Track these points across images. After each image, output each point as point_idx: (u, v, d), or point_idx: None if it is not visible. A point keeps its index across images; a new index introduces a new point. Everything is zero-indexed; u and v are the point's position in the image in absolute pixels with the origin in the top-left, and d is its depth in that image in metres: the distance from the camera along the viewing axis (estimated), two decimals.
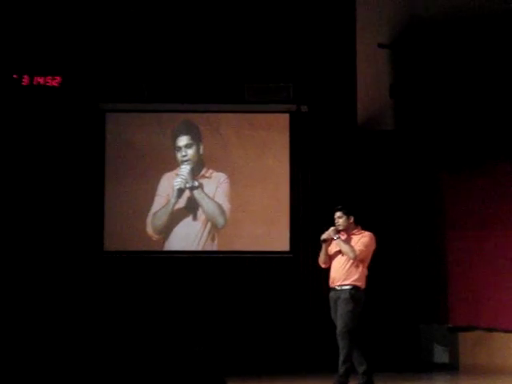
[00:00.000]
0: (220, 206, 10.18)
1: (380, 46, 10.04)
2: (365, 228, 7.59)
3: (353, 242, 7.52)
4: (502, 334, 9.38)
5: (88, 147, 10.06)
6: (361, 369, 7.35)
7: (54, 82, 9.81)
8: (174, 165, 10.24)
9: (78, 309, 9.64)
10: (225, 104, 10.10)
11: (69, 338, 9.45)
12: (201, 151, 10.27)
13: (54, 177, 10.00)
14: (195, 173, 10.28)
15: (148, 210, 10.14)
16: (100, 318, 9.69)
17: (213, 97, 10.10)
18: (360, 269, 7.45)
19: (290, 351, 9.75)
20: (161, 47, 10.11)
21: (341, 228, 7.56)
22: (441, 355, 9.85)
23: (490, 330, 9.49)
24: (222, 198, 10.22)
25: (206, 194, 10.14)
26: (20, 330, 9.41)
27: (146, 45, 10.09)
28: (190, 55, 10.13)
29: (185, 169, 10.11)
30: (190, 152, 10.21)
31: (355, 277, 7.42)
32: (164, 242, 10.13)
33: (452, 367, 9.68)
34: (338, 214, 7.61)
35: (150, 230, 10.14)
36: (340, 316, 7.36)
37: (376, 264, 9.14)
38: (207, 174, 10.21)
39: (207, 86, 10.09)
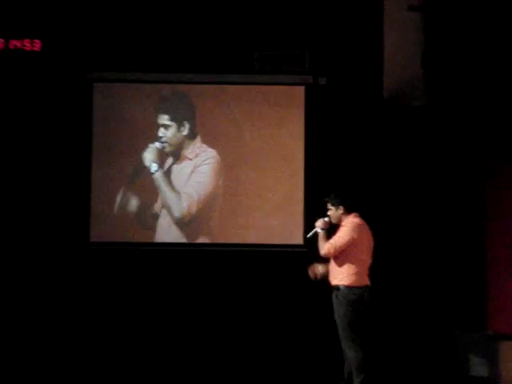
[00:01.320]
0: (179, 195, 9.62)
1: (411, 8, 9.61)
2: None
3: (338, 232, 7.61)
4: None
5: (73, 122, 9.57)
6: (359, 377, 7.42)
7: (34, 46, 9.33)
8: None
9: (62, 305, 9.37)
10: (230, 74, 9.64)
11: (53, 334, 9.24)
12: (185, 131, 9.69)
13: (33, 155, 9.55)
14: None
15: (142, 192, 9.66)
16: (86, 315, 9.39)
17: (216, 66, 9.66)
18: (345, 266, 7.51)
19: (303, 353, 9.37)
20: (156, 8, 9.65)
21: (333, 220, 7.65)
22: (479, 367, 9.28)
23: None
24: (195, 183, 9.67)
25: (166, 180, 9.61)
26: (2, 327, 9.20)
27: (140, 4, 9.64)
28: (189, 17, 9.67)
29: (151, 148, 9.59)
30: (169, 134, 9.68)
31: (341, 276, 7.51)
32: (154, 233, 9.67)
33: (492, 381, 9.13)
34: (327, 205, 7.70)
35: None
36: (336, 319, 7.52)
37: (404, 263, 9.15)
38: (190, 156, 9.68)
39: (210, 53, 9.66)
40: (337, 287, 7.51)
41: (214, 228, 9.60)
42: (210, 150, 9.63)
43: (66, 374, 8.76)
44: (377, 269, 9.40)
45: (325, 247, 7.49)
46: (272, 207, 9.62)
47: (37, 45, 9.31)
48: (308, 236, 7.76)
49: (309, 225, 9.27)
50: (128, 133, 9.59)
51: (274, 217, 9.60)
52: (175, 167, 9.58)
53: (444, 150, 9.59)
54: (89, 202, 9.49)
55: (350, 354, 7.44)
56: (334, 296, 7.56)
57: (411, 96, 9.58)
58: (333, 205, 7.63)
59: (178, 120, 9.66)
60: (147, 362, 9.15)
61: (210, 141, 9.65)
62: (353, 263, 7.49)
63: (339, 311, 7.45)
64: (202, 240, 9.57)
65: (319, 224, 7.59)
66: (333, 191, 7.90)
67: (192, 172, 9.60)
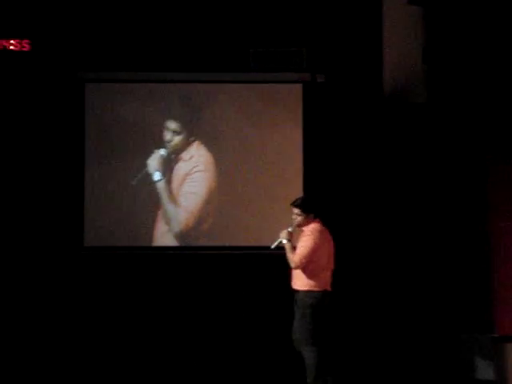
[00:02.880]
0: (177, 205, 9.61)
1: (410, 2, 9.58)
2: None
3: (301, 242, 7.66)
4: None
5: (65, 123, 9.51)
6: (310, 378, 7.54)
7: (23, 46, 9.31)
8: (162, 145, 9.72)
9: (55, 310, 9.35)
10: (225, 73, 9.60)
11: (47, 338, 9.25)
12: (184, 133, 9.68)
13: (24, 158, 9.50)
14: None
15: (137, 196, 9.57)
16: (80, 320, 9.37)
17: (211, 64, 9.61)
18: (305, 271, 7.59)
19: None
20: (150, 6, 9.62)
21: (297, 226, 7.71)
22: (485, 370, 9.25)
23: None
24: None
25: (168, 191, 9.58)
26: None
27: (134, 2, 9.63)
28: (184, 15, 9.64)
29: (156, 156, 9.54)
30: (176, 139, 9.64)
31: (301, 280, 7.62)
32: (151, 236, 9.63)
33: None
34: (295, 210, 7.72)
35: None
36: (295, 322, 7.63)
37: (407, 264, 9.16)
38: (185, 157, 9.63)
39: (205, 51, 9.62)
40: (297, 291, 7.62)
41: (209, 231, 9.54)
42: (204, 152, 9.57)
43: (58, 377, 8.78)
44: (381, 271, 9.42)
45: (295, 260, 7.56)
46: (270, 208, 9.55)
47: (26, 45, 9.27)
48: (272, 247, 7.75)
49: None
50: (122, 134, 9.54)
51: (272, 218, 9.48)
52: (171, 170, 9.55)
53: (445, 148, 9.56)
54: (82, 206, 9.43)
55: (306, 355, 7.57)
56: (294, 300, 7.68)
57: (412, 93, 9.58)
58: (304, 211, 7.67)
59: (184, 124, 9.64)
60: (140, 367, 9.12)
61: (206, 141, 9.59)
62: (313, 268, 7.58)
63: (298, 314, 7.57)
64: (198, 243, 9.52)
65: (283, 235, 7.63)
66: (301, 197, 8.14)
67: (184, 179, 9.55)
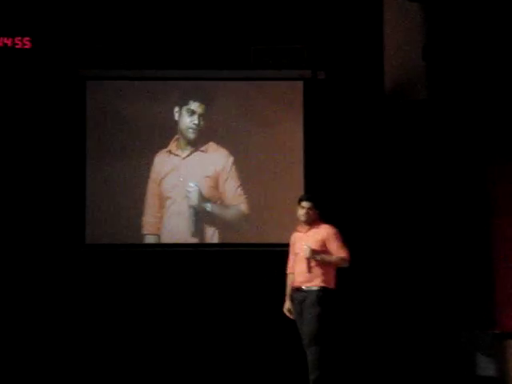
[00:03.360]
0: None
1: None
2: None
3: (313, 238, 7.50)
4: None
5: (66, 121, 9.45)
6: (313, 375, 7.41)
7: (25, 44, 9.24)
8: (169, 142, 9.59)
9: (56, 308, 9.30)
10: (227, 70, 9.54)
11: (47, 336, 9.21)
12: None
13: (25, 156, 9.44)
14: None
15: (139, 194, 9.49)
16: (80, 318, 9.33)
17: (213, 62, 9.56)
18: (323, 268, 7.46)
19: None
20: (152, 4, 9.58)
21: (308, 220, 7.54)
22: (486, 367, 9.20)
23: None
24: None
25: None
26: None
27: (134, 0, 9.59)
28: (184, 12, 9.59)
29: (193, 191, 9.48)
30: (196, 120, 9.60)
31: (317, 278, 7.46)
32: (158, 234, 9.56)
33: (499, 382, 9.02)
34: (306, 204, 7.55)
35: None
36: (307, 321, 7.41)
37: (407, 260, 9.14)
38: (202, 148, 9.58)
39: (205, 49, 9.58)
40: (310, 289, 7.43)
41: (212, 228, 9.54)
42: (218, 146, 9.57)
43: (59, 374, 8.80)
44: (381, 268, 9.39)
45: (345, 257, 7.45)
46: (270, 204, 9.54)
47: (27, 42, 9.21)
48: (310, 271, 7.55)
49: None
50: (124, 132, 9.49)
51: (272, 214, 9.51)
52: (189, 159, 9.50)
53: (446, 144, 9.51)
54: (84, 204, 9.38)
55: (312, 352, 7.42)
56: (303, 296, 7.47)
57: (412, 90, 9.54)
58: (315, 207, 7.55)
59: (193, 107, 9.60)
60: (142, 363, 9.11)
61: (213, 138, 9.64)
62: (330, 265, 7.49)
63: (311, 312, 7.37)
64: (199, 240, 9.49)
65: (310, 255, 7.41)
66: (309, 193, 8.13)
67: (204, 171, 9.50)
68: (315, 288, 7.43)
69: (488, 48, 9.13)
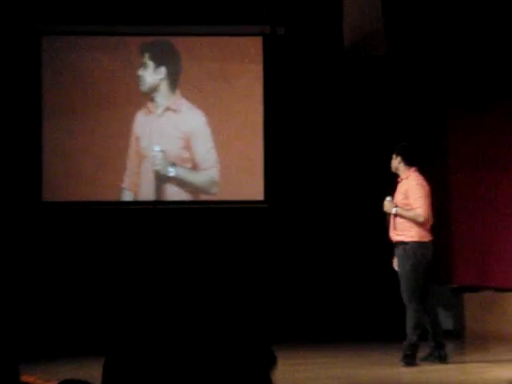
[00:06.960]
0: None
1: None
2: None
3: (398, 190, 7.37)
4: None
5: (21, 77, 9.24)
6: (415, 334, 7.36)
7: None
8: (129, 99, 9.45)
9: (11, 266, 9.12)
10: (185, 25, 9.42)
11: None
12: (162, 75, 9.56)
13: None
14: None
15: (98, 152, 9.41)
16: (37, 276, 9.20)
17: (171, 17, 9.38)
18: (418, 221, 7.27)
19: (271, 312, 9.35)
20: None
21: (393, 171, 7.44)
22: (443, 320, 9.06)
23: (501, 290, 8.99)
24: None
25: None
26: None
27: None
28: None
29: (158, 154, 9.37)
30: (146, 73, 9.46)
31: (409, 231, 7.28)
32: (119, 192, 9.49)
33: (457, 334, 9.25)
34: (393, 155, 7.45)
35: None
36: (400, 275, 7.33)
37: (365, 215, 9.11)
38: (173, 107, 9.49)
39: (165, 3, 9.39)
40: (404, 242, 7.24)
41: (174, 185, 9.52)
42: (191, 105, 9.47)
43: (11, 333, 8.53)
44: (345, 222, 9.38)
45: (421, 213, 7.20)
46: (230, 163, 9.51)
47: None
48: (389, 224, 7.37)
49: (268, 180, 9.40)
50: (82, 90, 9.36)
51: (232, 173, 9.50)
52: (161, 119, 9.41)
53: (406, 100, 9.53)
54: (40, 161, 9.25)
55: (412, 310, 7.33)
56: (399, 251, 7.31)
57: (372, 45, 9.21)
58: (396, 154, 7.38)
59: (157, 61, 9.45)
60: (99, 321, 8.97)
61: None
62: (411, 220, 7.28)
63: (405, 266, 7.22)
64: (164, 198, 9.46)
65: (390, 207, 7.27)
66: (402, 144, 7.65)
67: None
68: (410, 241, 7.27)
69: (447, 2, 9.07)
